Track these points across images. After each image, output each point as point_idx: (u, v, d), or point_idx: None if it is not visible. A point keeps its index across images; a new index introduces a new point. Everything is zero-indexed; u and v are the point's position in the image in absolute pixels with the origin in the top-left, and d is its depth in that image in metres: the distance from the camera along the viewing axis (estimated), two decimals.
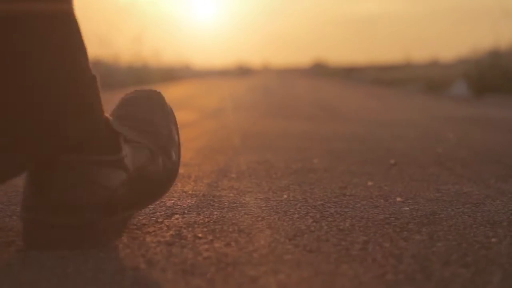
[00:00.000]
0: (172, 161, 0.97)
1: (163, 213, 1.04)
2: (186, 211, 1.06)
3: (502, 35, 12.08)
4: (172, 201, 1.14)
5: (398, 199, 1.17)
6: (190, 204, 1.11)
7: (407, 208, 1.08)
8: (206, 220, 0.99)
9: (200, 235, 0.90)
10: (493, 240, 0.88)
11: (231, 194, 1.20)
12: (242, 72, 31.48)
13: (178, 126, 1.04)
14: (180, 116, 3.37)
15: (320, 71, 39.98)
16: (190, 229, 0.93)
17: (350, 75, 25.38)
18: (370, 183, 1.33)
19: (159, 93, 1.07)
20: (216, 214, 1.03)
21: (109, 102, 1.04)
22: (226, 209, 1.07)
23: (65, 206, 0.83)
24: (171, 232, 0.92)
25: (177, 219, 1.00)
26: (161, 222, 0.97)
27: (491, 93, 7.73)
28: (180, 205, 1.10)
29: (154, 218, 1.00)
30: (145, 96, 1.06)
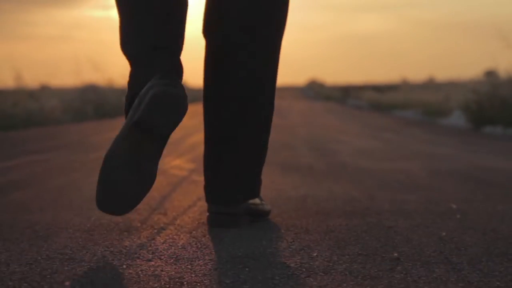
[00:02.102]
0: None
1: None
2: None
3: (500, 62, 12.05)
4: None
5: None
6: None
7: None
8: None
9: None
10: None
11: None
12: None
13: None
14: (174, 169, 3.23)
15: (315, 90, 39.90)
16: None
17: (346, 98, 25.33)
18: None
19: None
20: None
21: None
22: None
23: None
24: None
25: None
26: None
27: (490, 125, 7.68)
28: None
29: None
30: None
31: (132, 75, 1.63)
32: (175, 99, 1.52)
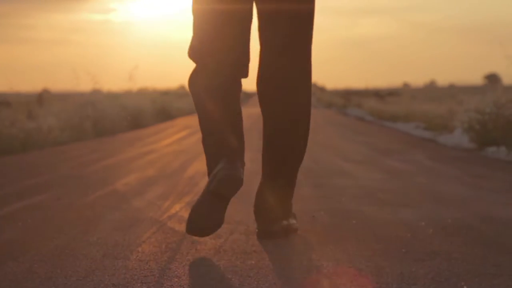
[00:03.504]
0: None
1: None
2: None
3: (500, 66, 11.94)
4: None
5: None
6: None
7: None
8: None
9: None
10: None
11: None
12: (241, 98, 31.32)
13: None
14: (173, 222, 3.01)
15: (316, 96, 39.83)
16: None
17: (348, 105, 25.28)
18: None
19: None
20: None
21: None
22: None
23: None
24: None
25: None
26: None
27: (494, 145, 7.59)
28: None
29: None
30: None
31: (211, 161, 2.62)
32: (235, 179, 2.49)
